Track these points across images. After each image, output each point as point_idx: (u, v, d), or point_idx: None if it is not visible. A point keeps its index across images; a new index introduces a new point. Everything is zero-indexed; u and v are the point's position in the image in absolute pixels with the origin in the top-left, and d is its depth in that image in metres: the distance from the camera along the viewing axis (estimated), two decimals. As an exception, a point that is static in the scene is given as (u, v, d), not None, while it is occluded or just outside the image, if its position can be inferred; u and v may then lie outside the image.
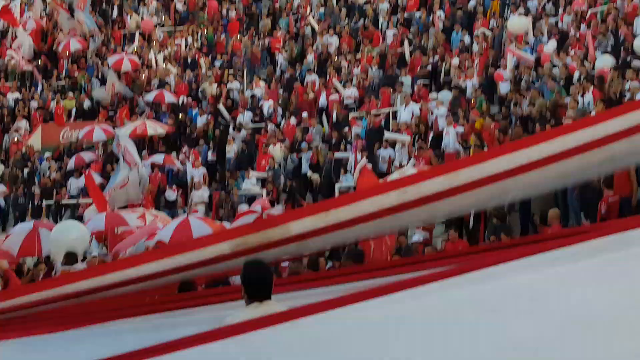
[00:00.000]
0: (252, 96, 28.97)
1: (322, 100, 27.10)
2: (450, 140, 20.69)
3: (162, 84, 31.11)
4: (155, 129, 27.92)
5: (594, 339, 3.54)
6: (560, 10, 25.41)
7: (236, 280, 7.80)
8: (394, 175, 18.27)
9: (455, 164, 9.36)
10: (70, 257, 14.83)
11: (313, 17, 33.05)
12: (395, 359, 3.81)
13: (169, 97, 29.57)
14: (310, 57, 30.36)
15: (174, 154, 27.09)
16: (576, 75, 20.75)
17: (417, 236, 15.60)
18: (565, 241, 4.35)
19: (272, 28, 34.02)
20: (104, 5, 38.26)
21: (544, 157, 7.20)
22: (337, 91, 27.15)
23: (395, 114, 24.24)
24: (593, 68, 20.74)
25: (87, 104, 31.10)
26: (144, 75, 32.24)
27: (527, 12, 25.70)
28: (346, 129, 24.72)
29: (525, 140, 10.41)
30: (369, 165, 21.40)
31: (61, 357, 5.77)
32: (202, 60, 33.15)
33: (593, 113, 17.06)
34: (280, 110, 27.85)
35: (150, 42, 35.24)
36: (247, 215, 19.41)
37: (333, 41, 30.52)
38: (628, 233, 4.00)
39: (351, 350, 3.98)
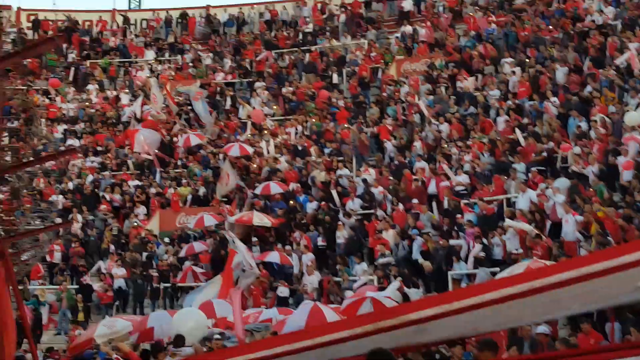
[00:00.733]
0: (364, 180, 28.90)
1: (432, 187, 26.89)
2: (570, 228, 20.27)
3: (273, 172, 31.46)
4: (261, 219, 28.07)
5: None
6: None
7: None
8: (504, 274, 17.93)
9: (580, 260, 9.15)
10: (179, 340, 14.95)
11: (422, 99, 33.03)
12: None
13: (275, 189, 29.72)
14: (418, 144, 30.31)
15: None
16: None
17: (542, 327, 14.96)
18: None
19: (380, 116, 34.10)
20: (217, 96, 38.98)
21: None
22: (447, 178, 26.94)
23: (508, 200, 23.89)
24: None
25: (202, 191, 31.57)
26: (255, 165, 32.55)
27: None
28: (458, 216, 24.52)
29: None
30: (483, 254, 21.22)
31: None
32: (311, 148, 33.28)
33: None
34: (389, 196, 27.73)
35: (261, 131, 35.73)
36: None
37: (443, 128, 30.50)
38: None
39: None
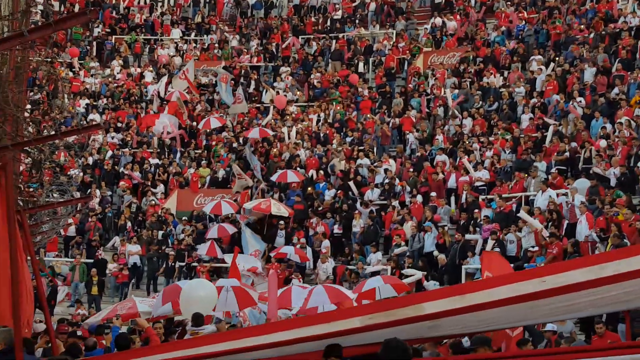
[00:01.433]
0: (386, 170, 29.12)
1: (452, 181, 27.04)
2: (584, 229, 20.32)
3: (292, 157, 31.58)
4: (279, 208, 28.17)
5: None
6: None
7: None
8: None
9: (599, 256, 9.18)
10: (199, 320, 15.10)
11: (448, 94, 33.01)
12: None
13: (291, 177, 29.84)
14: (441, 138, 30.36)
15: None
16: None
17: (551, 325, 14.91)
18: None
19: (404, 107, 34.13)
20: (242, 79, 39.11)
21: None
22: (467, 173, 27.05)
23: (527, 198, 23.94)
24: None
25: (221, 173, 31.76)
26: (275, 149, 32.77)
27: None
28: (475, 211, 24.63)
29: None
30: (497, 249, 21.29)
31: None
32: (333, 137, 33.47)
33: None
34: (408, 188, 27.82)
35: (284, 117, 35.89)
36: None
37: (467, 123, 30.59)
38: None
39: None
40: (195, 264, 26.61)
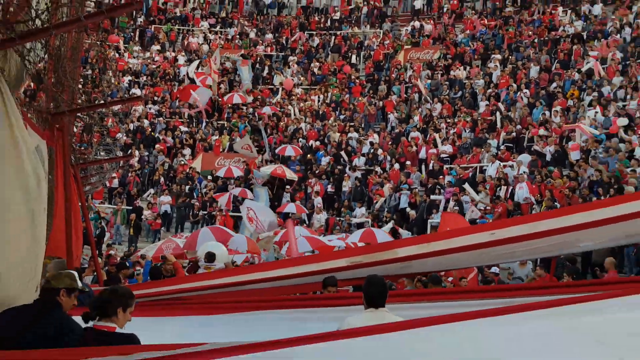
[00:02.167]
0: (371, 142, 29.40)
1: (422, 153, 27.21)
2: (524, 193, 20.47)
3: (297, 130, 31.91)
4: (291, 174, 28.58)
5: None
6: (629, 97, 24.90)
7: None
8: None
9: (536, 215, 9.14)
10: (211, 257, 15.06)
11: (422, 83, 33.27)
12: None
13: (289, 151, 30.20)
14: (416, 118, 30.51)
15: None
16: (638, 150, 20.23)
17: (494, 268, 15.03)
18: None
19: (387, 93, 34.25)
20: (257, 65, 39.02)
21: (610, 217, 6.96)
22: (436, 147, 27.26)
23: (481, 168, 24.11)
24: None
25: (237, 140, 31.90)
26: (282, 123, 32.97)
27: (600, 96, 25.29)
28: (440, 177, 24.75)
29: (596, 202, 10.04)
30: (457, 208, 21.50)
31: (217, 336, 5.81)
32: (330, 114, 33.75)
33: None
34: (388, 157, 28.02)
35: (290, 97, 35.91)
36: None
37: (437, 107, 30.80)
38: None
39: None
40: (215, 213, 26.55)
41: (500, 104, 28.70)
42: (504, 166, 23.13)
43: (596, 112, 24.33)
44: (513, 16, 37.15)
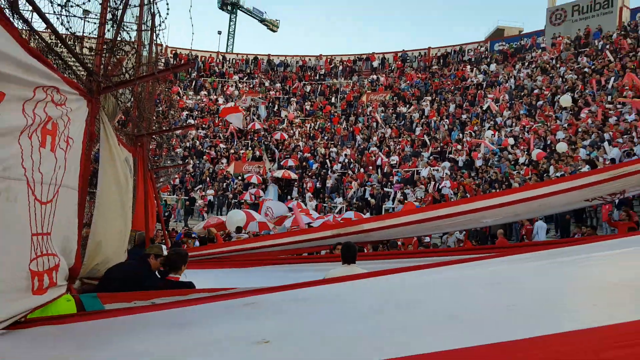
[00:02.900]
0: (345, 154, 29.31)
1: (379, 161, 27.14)
2: (446, 189, 20.48)
3: (296, 146, 32.03)
4: (293, 175, 28.49)
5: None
6: (514, 124, 25.06)
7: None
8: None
9: (452, 203, 9.25)
10: (239, 229, 15.04)
11: (379, 115, 33.31)
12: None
13: (290, 162, 29.96)
14: (374, 139, 30.48)
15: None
16: (521, 159, 20.36)
17: (427, 239, 15.07)
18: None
19: (355, 121, 34.20)
20: (270, 104, 38.97)
21: (501, 202, 7.00)
22: (388, 157, 27.19)
23: (418, 172, 24.11)
24: (531, 156, 20.28)
25: (257, 154, 31.80)
26: (286, 141, 33.05)
27: (495, 124, 25.46)
28: (390, 177, 24.71)
29: (490, 195, 10.02)
30: (402, 197, 21.49)
31: (241, 280, 5.88)
32: (318, 135, 33.59)
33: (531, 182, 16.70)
34: (356, 164, 28.00)
35: (292, 125, 35.85)
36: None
37: (388, 131, 30.70)
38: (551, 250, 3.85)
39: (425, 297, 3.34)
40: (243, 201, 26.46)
41: (430, 129, 28.86)
42: (433, 170, 23.21)
43: (492, 134, 24.50)
44: (437, 72, 37.31)
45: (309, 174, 28.62)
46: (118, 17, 4.84)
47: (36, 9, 3.37)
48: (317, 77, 42.76)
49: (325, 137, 33.44)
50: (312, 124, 35.80)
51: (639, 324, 2.33)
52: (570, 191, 6.80)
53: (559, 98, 24.56)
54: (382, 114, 33.62)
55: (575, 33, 31.54)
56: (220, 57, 46.25)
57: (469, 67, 35.84)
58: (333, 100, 39.07)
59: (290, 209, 24.09)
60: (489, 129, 25.38)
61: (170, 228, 20.48)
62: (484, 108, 28.37)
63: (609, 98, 22.07)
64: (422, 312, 2.89)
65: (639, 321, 2.37)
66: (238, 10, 53.66)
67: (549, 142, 20.96)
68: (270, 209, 22.66)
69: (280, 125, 36.29)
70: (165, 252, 5.23)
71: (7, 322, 2.90)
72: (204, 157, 32.16)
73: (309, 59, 44.85)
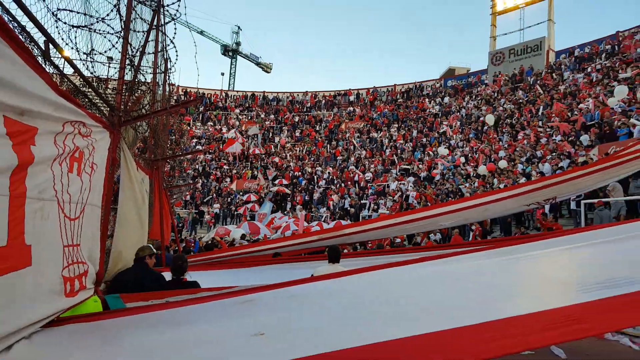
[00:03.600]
0: (328, 173, 29.11)
1: (356, 178, 27.08)
2: (412, 198, 20.47)
3: (288, 166, 31.72)
4: (287, 190, 28.01)
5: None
6: (465, 145, 25.21)
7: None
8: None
9: (416, 210, 9.27)
10: (243, 236, 14.89)
11: (355, 140, 33.29)
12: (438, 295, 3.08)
13: (284, 181, 29.63)
14: (352, 159, 30.45)
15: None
16: (471, 174, 20.46)
17: (398, 240, 14.88)
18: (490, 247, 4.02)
19: (336, 145, 34.19)
20: (266, 132, 38.86)
21: (455, 209, 6.97)
22: (363, 173, 27.12)
23: (388, 185, 24.08)
24: (478, 171, 20.40)
25: (256, 173, 31.53)
26: (279, 162, 32.78)
27: (449, 145, 25.59)
28: (366, 190, 24.65)
29: (447, 203, 10.01)
30: (375, 206, 21.39)
31: (240, 279, 5.79)
32: (306, 157, 33.44)
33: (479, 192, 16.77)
34: (338, 181, 27.89)
35: (284, 148, 35.73)
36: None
37: (363, 152, 30.68)
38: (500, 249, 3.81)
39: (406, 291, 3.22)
40: (240, 213, 26.20)
41: (397, 150, 28.97)
42: (400, 183, 23.22)
43: (448, 154, 24.65)
44: (402, 103, 37.60)
45: (299, 189, 28.49)
46: (135, 63, 4.80)
47: (65, 57, 3.33)
48: (304, 109, 42.83)
49: (312, 159, 33.41)
50: (301, 148, 35.77)
51: (565, 310, 2.35)
52: (511, 198, 6.86)
53: (484, 118, 25.02)
54: (358, 139, 33.72)
55: (512, 71, 32.15)
56: (224, 94, 46.19)
57: (427, 99, 36.20)
58: (317, 128, 39.12)
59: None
60: (445, 149, 25.61)
61: (183, 237, 20.21)
62: (440, 132, 28.62)
63: (540, 123, 22.44)
64: (395, 303, 2.87)
65: (565, 307, 2.39)
66: (238, 56, 53.84)
67: (492, 159, 21.21)
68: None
69: (274, 149, 36.20)
70: (154, 250, 5.10)
71: (44, 321, 2.84)
72: (211, 176, 31.87)
73: (297, 95, 44.99)
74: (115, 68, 4.48)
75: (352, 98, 42.09)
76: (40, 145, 2.73)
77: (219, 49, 53.81)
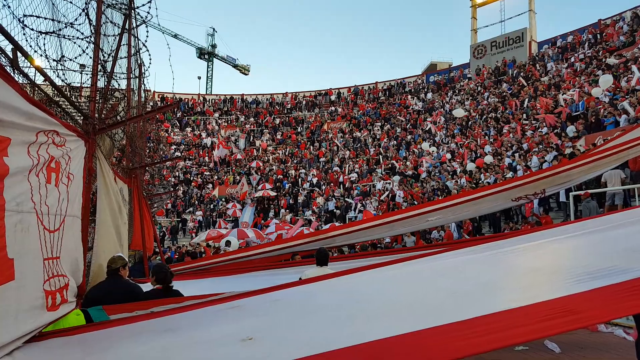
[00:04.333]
0: (312, 175, 29.11)
1: (341, 178, 27.18)
2: (398, 197, 20.63)
3: (271, 169, 31.63)
4: (271, 194, 27.96)
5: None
6: (450, 141, 25.46)
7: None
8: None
9: (404, 210, 9.33)
10: (228, 243, 14.83)
11: (338, 140, 33.39)
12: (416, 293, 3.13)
13: (267, 186, 29.29)
14: (336, 160, 30.53)
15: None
16: (457, 171, 20.71)
17: (387, 239, 14.94)
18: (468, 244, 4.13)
19: (319, 146, 34.25)
20: (247, 136, 38.75)
21: (442, 206, 7.08)
22: (348, 174, 27.24)
23: (374, 186, 24.20)
24: (465, 167, 20.65)
25: (237, 178, 31.41)
26: (261, 165, 32.70)
27: (434, 141, 25.83)
28: (351, 190, 24.75)
29: (434, 202, 10.09)
30: (362, 207, 21.48)
31: (230, 285, 5.77)
32: (288, 160, 33.39)
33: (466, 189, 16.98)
34: (322, 183, 27.93)
35: (266, 152, 35.67)
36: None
37: (346, 153, 30.79)
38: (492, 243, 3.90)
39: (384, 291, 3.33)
40: (228, 220, 26.05)
41: (381, 149, 29.14)
42: (386, 183, 23.36)
43: (433, 150, 24.92)
44: (384, 101, 37.86)
45: (283, 192, 28.45)
46: (108, 69, 4.79)
47: (35, 66, 3.33)
48: (285, 111, 42.81)
49: (295, 161, 33.39)
50: (283, 151, 35.74)
51: (555, 302, 2.42)
52: (499, 193, 7.00)
53: (453, 111, 25.42)
54: (341, 139, 33.83)
55: (494, 64, 32.64)
56: (201, 98, 45.94)
57: (410, 96, 36.53)
58: (299, 129, 39.15)
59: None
60: (429, 146, 25.83)
61: (166, 246, 20.02)
62: (425, 129, 28.88)
63: (525, 116, 22.83)
64: (382, 303, 2.92)
65: (555, 299, 2.45)
66: (214, 58, 53.60)
67: (479, 154, 21.53)
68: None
69: (255, 152, 36.11)
70: (126, 260, 5.02)
71: (26, 337, 2.82)
72: (192, 183, 31.63)
73: (277, 96, 44.98)
74: (88, 75, 4.47)
75: (333, 97, 42.22)
76: (14, 155, 2.73)
77: (194, 53, 53.50)
